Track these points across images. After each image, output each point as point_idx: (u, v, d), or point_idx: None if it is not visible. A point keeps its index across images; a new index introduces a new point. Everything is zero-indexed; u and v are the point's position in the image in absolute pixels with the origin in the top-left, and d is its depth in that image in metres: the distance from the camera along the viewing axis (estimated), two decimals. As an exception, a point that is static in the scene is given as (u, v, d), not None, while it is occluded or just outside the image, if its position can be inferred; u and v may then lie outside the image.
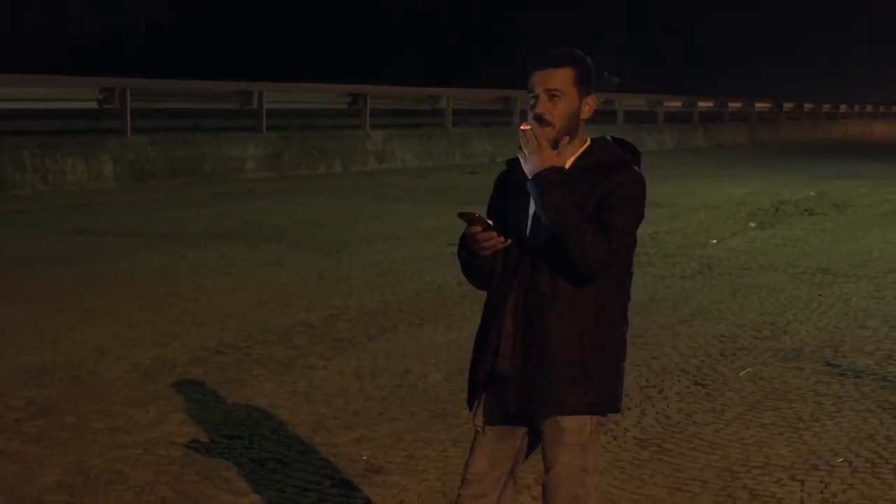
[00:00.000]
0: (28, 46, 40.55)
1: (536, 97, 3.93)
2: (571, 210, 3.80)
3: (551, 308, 3.89)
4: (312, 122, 28.69)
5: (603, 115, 36.31)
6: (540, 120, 3.91)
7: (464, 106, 32.48)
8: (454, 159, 29.55)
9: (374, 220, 16.55)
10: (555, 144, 3.93)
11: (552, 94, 3.91)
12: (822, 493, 5.86)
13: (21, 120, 22.91)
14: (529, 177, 3.88)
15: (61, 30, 48.24)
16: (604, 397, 3.96)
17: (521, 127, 3.91)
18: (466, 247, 3.98)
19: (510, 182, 4.07)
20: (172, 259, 12.62)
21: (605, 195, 3.86)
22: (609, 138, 4.04)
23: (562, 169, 3.85)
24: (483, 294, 4.14)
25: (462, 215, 3.88)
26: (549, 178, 3.82)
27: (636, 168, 3.95)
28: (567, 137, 3.93)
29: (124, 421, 6.79)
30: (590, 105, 3.98)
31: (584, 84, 3.96)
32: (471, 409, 4.14)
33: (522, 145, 3.88)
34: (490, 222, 3.87)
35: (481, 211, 3.96)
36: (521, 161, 3.90)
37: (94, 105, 22.50)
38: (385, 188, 22.17)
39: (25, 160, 19.61)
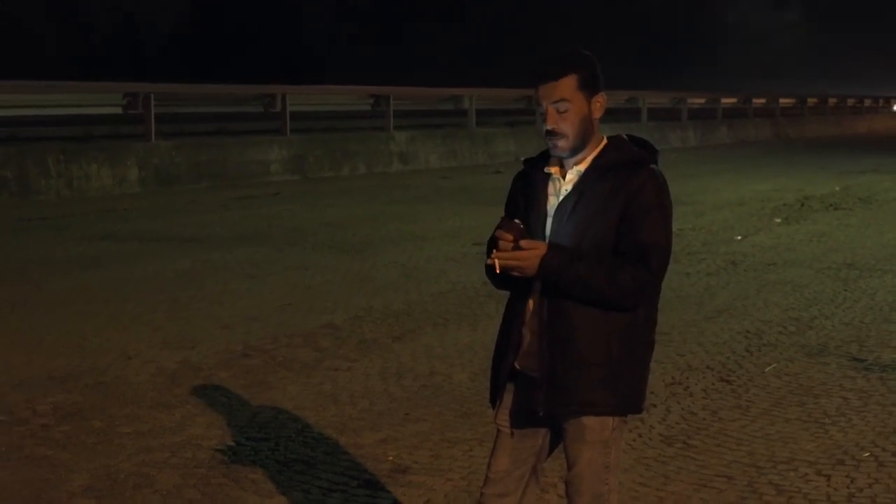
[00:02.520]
0: (50, 51, 40.77)
1: (545, 112, 3.93)
2: (595, 274, 3.79)
3: (579, 308, 3.87)
4: (336, 125, 28.72)
5: (627, 113, 36.25)
6: (552, 134, 3.91)
7: (487, 106, 32.44)
8: (478, 159, 29.53)
9: (399, 222, 16.57)
10: (573, 152, 3.93)
11: (559, 107, 3.91)
12: (847, 487, 5.85)
13: (45, 126, 23.05)
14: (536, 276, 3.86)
15: (84, 31, 48.55)
16: (628, 398, 3.96)
17: (488, 263, 3.87)
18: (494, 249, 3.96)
19: (528, 181, 4.07)
20: (197, 263, 12.66)
21: (628, 201, 3.84)
22: (625, 137, 4.03)
23: (547, 251, 3.80)
24: (506, 294, 4.14)
25: (503, 221, 3.87)
26: (551, 267, 3.79)
27: (654, 166, 3.94)
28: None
29: (151, 425, 6.82)
30: (600, 103, 3.96)
31: (590, 85, 3.93)
32: (493, 407, 4.15)
33: (508, 270, 3.85)
34: (521, 226, 3.84)
35: (499, 211, 3.95)
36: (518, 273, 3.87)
37: (118, 110, 22.59)
38: (409, 189, 22.18)
39: (50, 166, 19.71)
